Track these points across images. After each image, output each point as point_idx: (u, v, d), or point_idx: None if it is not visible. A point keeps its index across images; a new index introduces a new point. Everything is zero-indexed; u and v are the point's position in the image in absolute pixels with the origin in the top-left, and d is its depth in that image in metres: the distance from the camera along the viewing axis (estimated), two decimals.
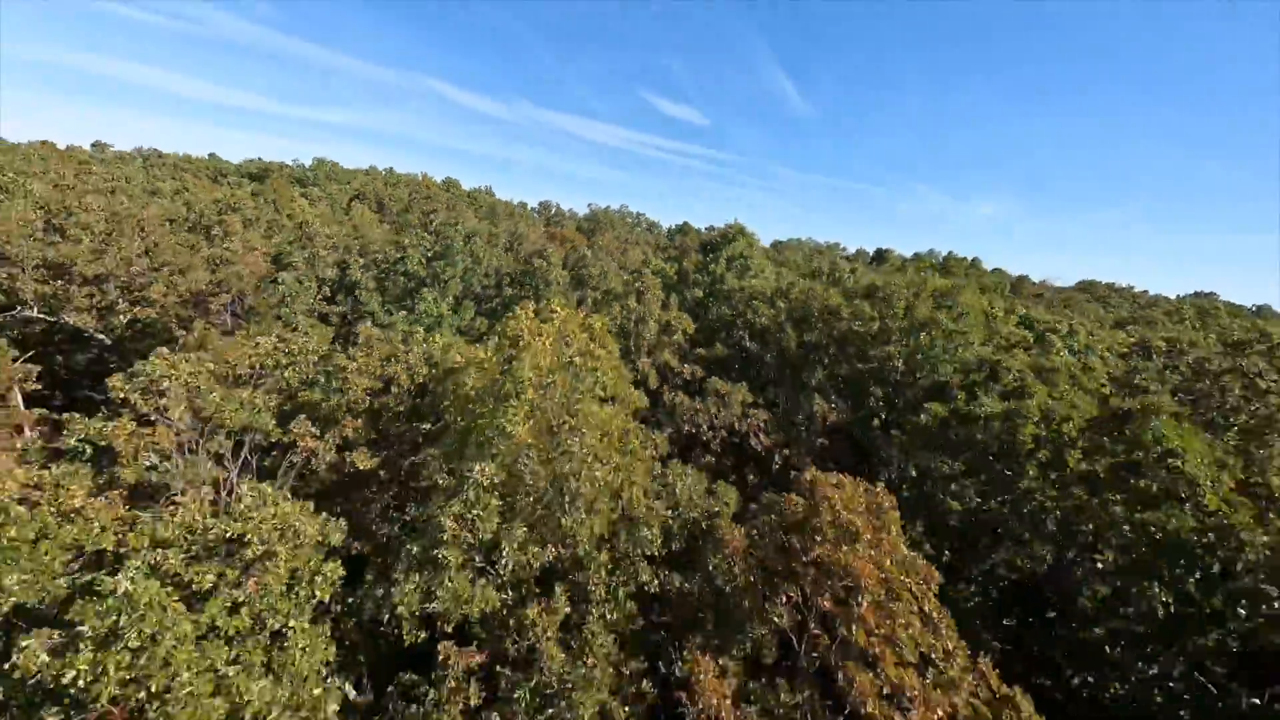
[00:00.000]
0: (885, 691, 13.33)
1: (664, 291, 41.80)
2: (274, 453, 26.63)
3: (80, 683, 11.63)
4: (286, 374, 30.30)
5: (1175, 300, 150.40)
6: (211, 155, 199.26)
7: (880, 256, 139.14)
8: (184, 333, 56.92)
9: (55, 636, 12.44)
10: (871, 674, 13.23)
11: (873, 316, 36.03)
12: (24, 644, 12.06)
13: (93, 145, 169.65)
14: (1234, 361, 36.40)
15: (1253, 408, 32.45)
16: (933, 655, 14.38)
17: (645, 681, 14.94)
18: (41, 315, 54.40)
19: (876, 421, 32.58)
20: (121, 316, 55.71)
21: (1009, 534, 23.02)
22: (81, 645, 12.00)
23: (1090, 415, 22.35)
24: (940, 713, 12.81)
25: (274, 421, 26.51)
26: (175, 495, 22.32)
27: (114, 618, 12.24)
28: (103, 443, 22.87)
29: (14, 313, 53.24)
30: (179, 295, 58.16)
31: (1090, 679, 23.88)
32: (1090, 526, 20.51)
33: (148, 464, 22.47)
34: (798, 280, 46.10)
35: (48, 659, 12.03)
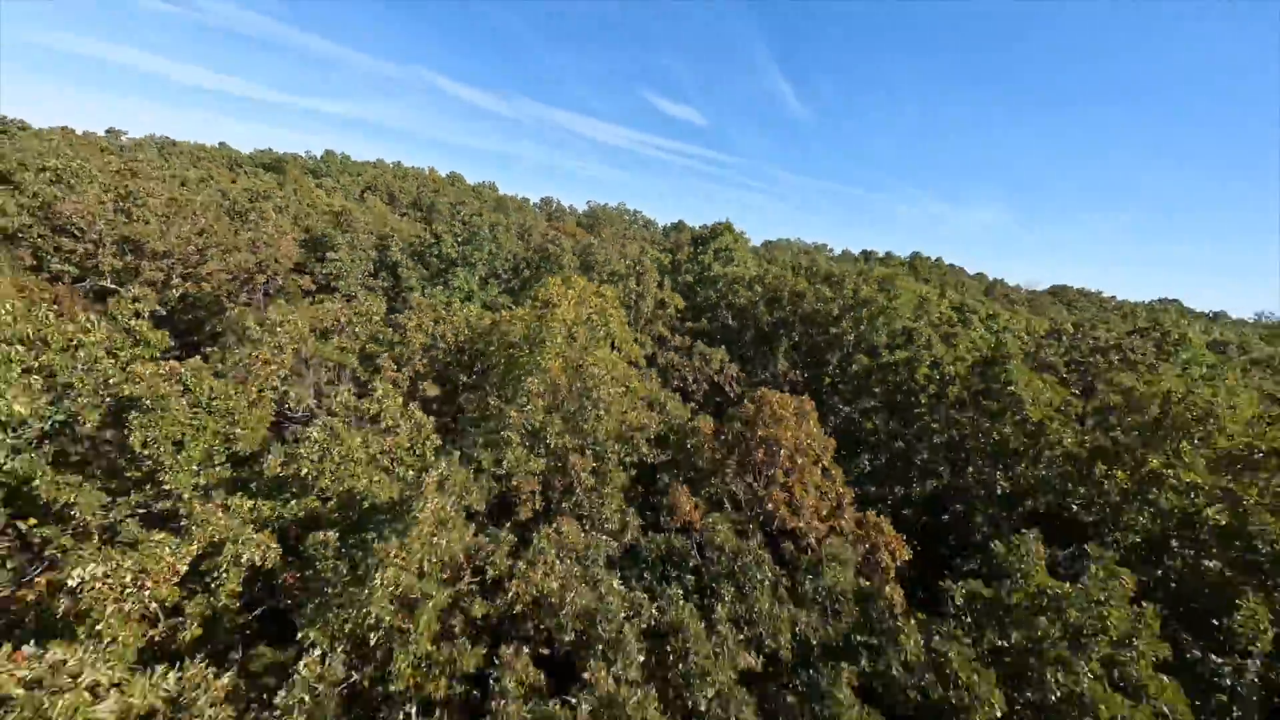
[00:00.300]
0: (793, 509, 21.46)
1: (659, 275, 49.77)
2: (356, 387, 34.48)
3: (308, 478, 19.51)
4: (358, 329, 38.26)
5: (1133, 304, 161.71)
6: (221, 144, 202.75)
7: (866, 258, 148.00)
8: (231, 305, 65.28)
9: (284, 454, 20.27)
10: (786, 494, 21.34)
11: (830, 297, 44.32)
12: (268, 455, 19.91)
13: (106, 132, 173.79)
14: (1119, 341, 45.29)
15: (1123, 377, 41.18)
16: (827, 494, 22.56)
17: (643, 507, 22.98)
18: (114, 286, 61.76)
19: (828, 381, 40.78)
20: (175, 290, 63.09)
21: (911, 451, 31.30)
22: (302, 459, 19.85)
23: (970, 363, 30.67)
24: (824, 517, 20.92)
25: (357, 361, 34.58)
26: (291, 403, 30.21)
27: (318, 446, 20.10)
28: (231, 373, 30.48)
29: (85, 284, 60.54)
30: (229, 272, 65.50)
31: (972, 566, 32.22)
32: (964, 441, 28.81)
33: (274, 384, 30.14)
34: (771, 269, 54.33)
35: (280, 467, 19.90)
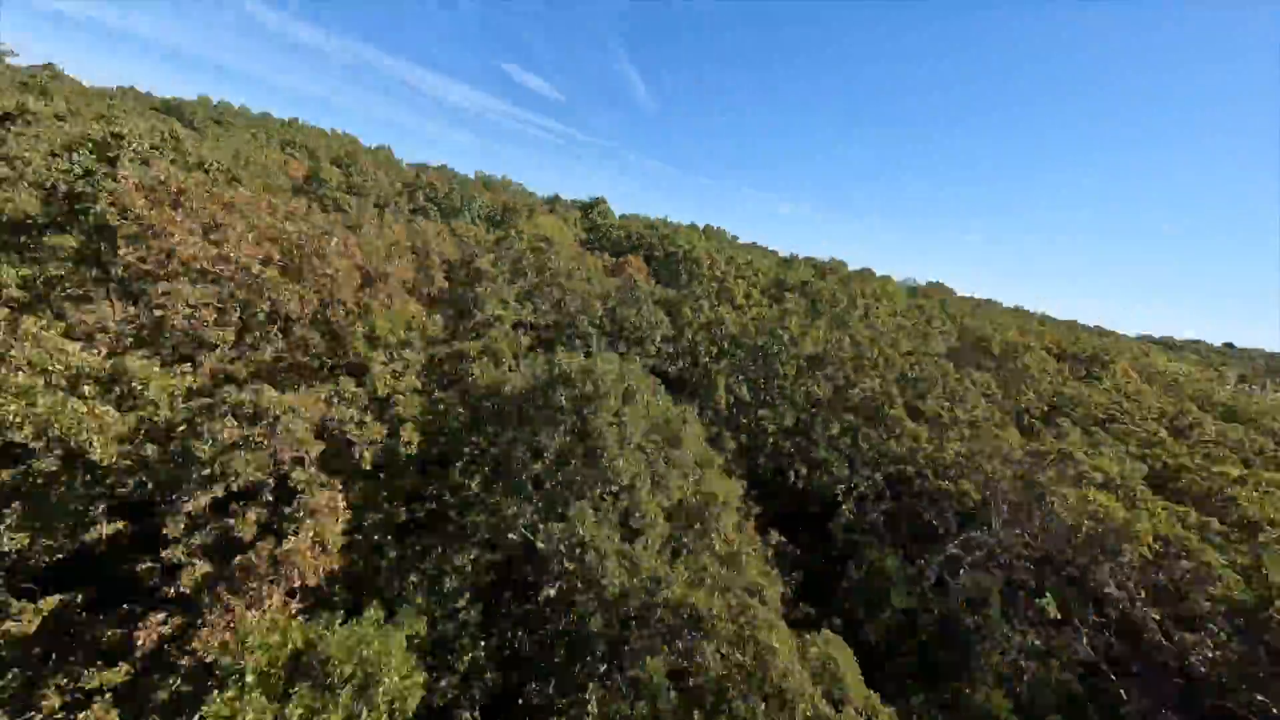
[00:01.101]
0: None
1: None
2: None
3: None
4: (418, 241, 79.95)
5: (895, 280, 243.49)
6: (133, 87, 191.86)
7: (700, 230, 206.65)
8: None
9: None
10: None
11: (655, 244, 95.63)
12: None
13: None
14: (836, 288, 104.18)
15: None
16: None
17: None
18: None
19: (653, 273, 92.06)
20: None
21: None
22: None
23: (761, 283, 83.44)
24: None
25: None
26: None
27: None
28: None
29: None
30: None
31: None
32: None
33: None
34: (629, 224, 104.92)
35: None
